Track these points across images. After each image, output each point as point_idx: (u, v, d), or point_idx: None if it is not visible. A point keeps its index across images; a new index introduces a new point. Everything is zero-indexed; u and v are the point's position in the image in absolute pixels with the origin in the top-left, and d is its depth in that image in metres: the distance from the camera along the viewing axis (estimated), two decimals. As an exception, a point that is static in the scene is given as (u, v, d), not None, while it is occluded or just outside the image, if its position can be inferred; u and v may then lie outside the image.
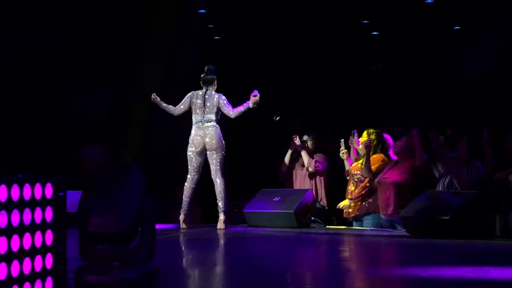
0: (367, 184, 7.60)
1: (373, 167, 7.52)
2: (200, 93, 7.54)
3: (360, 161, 7.69)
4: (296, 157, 8.48)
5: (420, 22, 9.69)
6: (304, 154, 8.33)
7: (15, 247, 3.12)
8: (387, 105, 9.86)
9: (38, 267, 3.27)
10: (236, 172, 9.57)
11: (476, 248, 5.82)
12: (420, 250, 5.83)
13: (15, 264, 3.12)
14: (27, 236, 3.20)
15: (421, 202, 6.65)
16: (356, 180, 7.70)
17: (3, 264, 3.05)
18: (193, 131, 7.50)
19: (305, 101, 10.36)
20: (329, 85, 10.42)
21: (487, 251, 5.74)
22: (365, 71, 10.67)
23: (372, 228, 7.47)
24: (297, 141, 8.34)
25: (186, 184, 7.56)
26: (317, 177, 8.29)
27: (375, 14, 9.87)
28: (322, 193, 8.27)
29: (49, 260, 3.36)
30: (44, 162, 9.27)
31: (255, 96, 7.35)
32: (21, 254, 3.16)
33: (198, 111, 7.49)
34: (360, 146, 7.76)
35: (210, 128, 7.41)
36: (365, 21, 10.18)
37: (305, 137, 8.46)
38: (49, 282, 3.35)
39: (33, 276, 3.23)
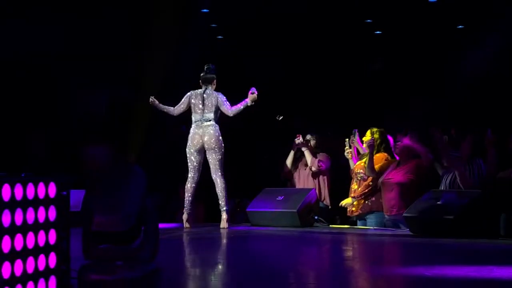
0: (371, 183, 7.59)
1: (376, 166, 7.51)
2: (199, 92, 7.56)
3: (364, 160, 7.68)
4: (299, 156, 8.47)
5: (423, 21, 9.67)
6: (307, 153, 8.30)
7: (18, 246, 3.12)
8: (388, 105, 9.85)
9: (41, 266, 3.27)
10: (239, 171, 9.56)
11: (480, 248, 5.81)
12: (424, 249, 5.82)
13: (19, 263, 3.11)
14: (30, 235, 3.20)
15: (425, 201, 6.64)
16: (359, 178, 7.69)
17: (7, 263, 3.04)
18: (192, 130, 7.53)
19: (306, 101, 10.34)
20: (331, 85, 10.40)
21: (490, 250, 5.73)
22: (367, 70, 10.64)
23: (375, 228, 7.46)
24: (299, 140, 8.32)
25: (187, 183, 7.57)
26: (320, 177, 8.27)
27: (378, 13, 9.85)
28: (325, 192, 8.25)
29: (53, 259, 3.35)
30: (44, 162, 9.25)
31: (253, 93, 7.35)
32: (24, 253, 3.16)
33: (197, 110, 7.50)
34: (364, 145, 7.75)
35: (208, 127, 7.42)
36: (368, 20, 10.16)
37: (308, 137, 8.45)
38: (52, 281, 3.34)
39: (36, 275, 3.23)
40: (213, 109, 7.45)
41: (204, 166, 7.59)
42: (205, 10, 10.03)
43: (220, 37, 10.92)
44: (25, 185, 3.17)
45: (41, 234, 3.27)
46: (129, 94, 9.74)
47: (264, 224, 7.61)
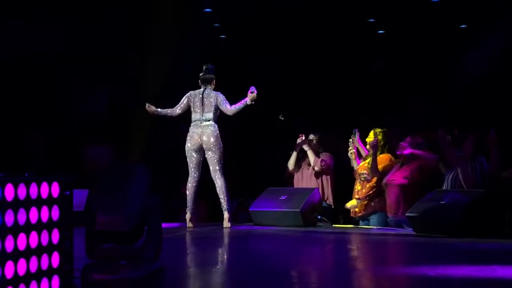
0: (375, 184, 7.57)
1: (380, 167, 7.49)
2: (199, 92, 7.55)
3: (367, 161, 7.66)
4: (302, 156, 8.44)
5: (426, 20, 9.66)
6: (310, 153, 8.28)
7: (21, 245, 3.11)
8: (388, 105, 9.84)
9: (44, 266, 3.26)
10: (242, 171, 9.55)
11: (483, 247, 5.79)
12: (427, 249, 5.80)
13: (22, 263, 3.10)
14: (33, 235, 3.19)
15: (428, 201, 6.63)
16: (362, 179, 7.67)
17: (10, 263, 3.03)
18: (190, 129, 7.54)
19: (306, 101, 10.33)
20: (331, 85, 10.39)
21: (494, 250, 5.71)
22: (367, 70, 10.63)
23: (378, 227, 7.45)
24: (301, 139, 8.29)
25: (188, 182, 7.57)
26: (324, 176, 8.25)
27: (381, 12, 9.84)
28: (328, 192, 8.22)
29: (56, 258, 3.34)
30: (45, 162, 9.25)
31: (252, 92, 7.35)
32: (27, 253, 3.14)
33: (196, 110, 7.50)
34: (367, 146, 7.74)
35: (207, 127, 7.42)
36: (371, 20, 10.15)
37: (311, 136, 8.43)
38: (55, 280, 3.33)
39: (39, 275, 3.22)
40: (212, 109, 7.45)
41: (205, 165, 7.58)
42: (207, 10, 10.02)
43: (223, 36, 10.91)
44: (28, 185, 3.16)
45: (44, 233, 3.26)
46: (129, 94, 9.73)
47: (267, 223, 7.60)
